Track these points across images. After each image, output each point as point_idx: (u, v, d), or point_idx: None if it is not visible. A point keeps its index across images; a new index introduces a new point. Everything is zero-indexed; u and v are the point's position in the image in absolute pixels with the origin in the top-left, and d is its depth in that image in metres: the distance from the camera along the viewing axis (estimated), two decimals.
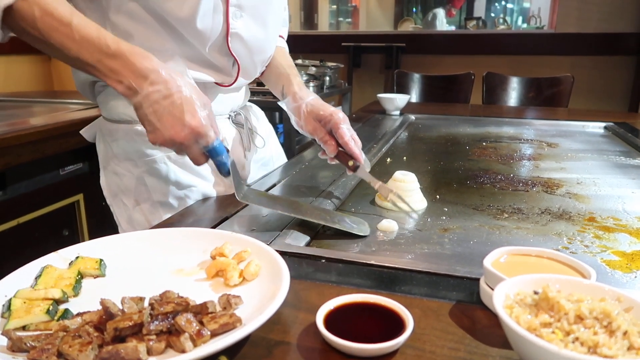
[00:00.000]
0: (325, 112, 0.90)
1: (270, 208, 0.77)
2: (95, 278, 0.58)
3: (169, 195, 0.90)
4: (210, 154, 0.71)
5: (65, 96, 2.45)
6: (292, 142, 2.38)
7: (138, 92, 0.67)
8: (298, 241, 0.72)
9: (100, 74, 0.69)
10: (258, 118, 1.15)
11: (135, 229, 0.92)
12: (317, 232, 0.77)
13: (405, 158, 1.30)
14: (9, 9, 0.66)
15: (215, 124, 0.72)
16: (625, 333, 0.38)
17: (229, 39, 0.88)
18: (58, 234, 1.79)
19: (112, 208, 0.97)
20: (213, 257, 0.61)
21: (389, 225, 0.78)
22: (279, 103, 0.99)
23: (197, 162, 0.73)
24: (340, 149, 0.89)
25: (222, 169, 0.73)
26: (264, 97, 2.28)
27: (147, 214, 0.91)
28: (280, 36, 1.13)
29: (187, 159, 0.89)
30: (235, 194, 0.74)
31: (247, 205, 0.86)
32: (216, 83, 0.93)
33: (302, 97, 0.94)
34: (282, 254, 0.61)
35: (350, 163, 0.88)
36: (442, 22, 4.81)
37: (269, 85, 1.08)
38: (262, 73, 1.08)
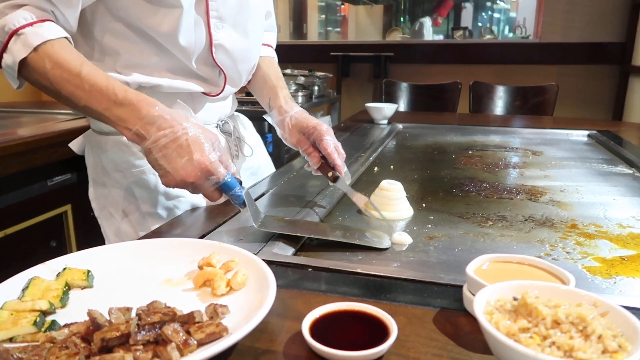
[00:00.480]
0: (309, 124, 0.92)
1: (291, 232, 0.76)
2: (82, 289, 0.58)
3: (158, 206, 0.91)
4: (223, 189, 0.73)
5: (53, 106, 2.44)
6: (281, 151, 2.39)
7: (146, 139, 0.69)
8: (285, 250, 0.72)
9: (109, 121, 0.72)
10: (246, 127, 1.16)
11: (123, 240, 0.92)
12: (303, 242, 0.78)
13: (392, 167, 1.31)
14: (23, 62, 0.70)
15: (226, 158, 0.74)
16: (599, 337, 0.39)
17: (213, 50, 0.89)
18: (45, 245, 1.78)
19: (100, 220, 0.97)
20: (201, 267, 0.61)
21: (401, 238, 0.78)
22: (265, 116, 1.01)
23: (212, 199, 0.74)
24: (322, 160, 0.91)
25: (237, 202, 0.74)
26: (253, 107, 2.29)
27: (135, 225, 0.91)
28: (269, 45, 1.15)
29: None
30: (254, 224, 0.75)
31: (235, 215, 0.87)
32: (204, 93, 0.94)
33: (287, 110, 0.96)
34: (269, 263, 0.61)
35: (330, 174, 0.90)
36: (429, 30, 4.87)
37: (257, 95, 1.10)
38: (250, 83, 1.10)
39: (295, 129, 0.93)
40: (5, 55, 0.71)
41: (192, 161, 0.69)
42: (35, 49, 0.70)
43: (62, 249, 1.83)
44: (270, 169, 1.24)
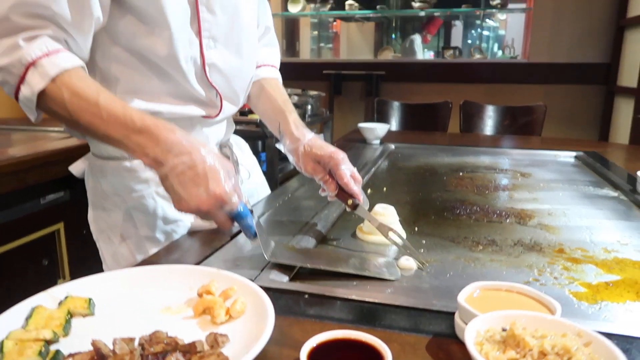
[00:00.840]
0: (325, 152, 0.91)
1: (301, 264, 0.77)
2: (84, 317, 0.60)
3: (156, 230, 0.92)
4: (236, 218, 0.74)
5: (46, 124, 2.44)
6: (274, 170, 2.42)
7: (164, 164, 0.70)
8: (281, 276, 0.74)
9: (126, 148, 0.72)
10: (242, 150, 1.18)
11: (121, 264, 0.93)
12: (300, 267, 0.79)
13: (385, 189, 1.34)
14: (41, 93, 0.71)
15: (239, 188, 0.74)
16: None
17: (207, 69, 0.91)
18: (37, 263, 1.78)
19: (98, 243, 0.98)
20: (200, 295, 0.63)
21: (408, 263, 0.79)
22: (277, 145, 1.00)
23: (224, 227, 0.75)
24: (339, 188, 0.91)
25: (249, 232, 0.75)
26: (247, 127, 2.32)
27: (133, 249, 0.93)
28: (272, 65, 1.16)
29: None
30: (264, 255, 0.75)
31: (231, 239, 0.89)
32: (203, 116, 0.96)
33: (299, 137, 0.95)
34: (267, 289, 0.63)
35: (350, 202, 0.89)
36: (420, 47, 4.96)
37: (264, 119, 1.10)
38: (255, 106, 1.11)
39: (309, 157, 0.92)
40: (22, 88, 0.72)
41: (208, 190, 0.70)
42: (53, 79, 0.71)
43: (54, 268, 1.83)
44: (266, 190, 1.26)
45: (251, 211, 0.75)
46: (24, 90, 0.72)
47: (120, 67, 0.86)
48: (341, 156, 0.90)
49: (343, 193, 0.90)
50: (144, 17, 0.82)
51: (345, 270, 0.76)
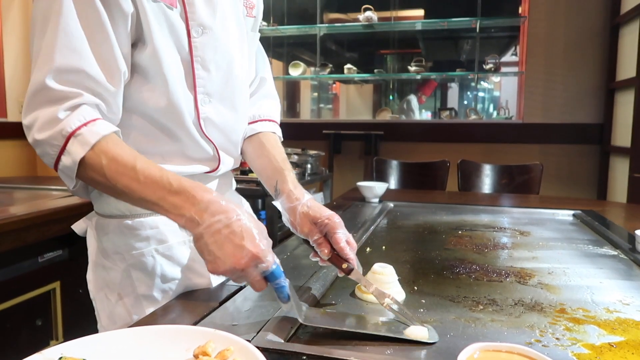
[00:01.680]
0: (322, 215, 0.90)
1: (336, 327, 0.76)
2: None
3: (154, 289, 0.91)
4: (269, 278, 0.74)
5: (48, 182, 2.48)
6: (274, 228, 2.42)
7: (200, 224, 0.71)
8: (278, 337, 0.73)
9: (161, 210, 0.75)
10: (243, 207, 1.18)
11: (116, 323, 0.92)
12: (298, 327, 0.78)
13: (384, 247, 1.33)
14: (81, 161, 0.75)
15: (271, 250, 0.75)
16: None
17: (202, 123, 0.94)
18: (31, 323, 1.74)
19: (94, 303, 0.97)
20: (196, 356, 0.62)
21: (418, 333, 0.74)
22: (274, 202, 1.00)
23: (258, 288, 0.75)
24: (334, 252, 0.90)
25: (282, 293, 0.74)
26: (247, 185, 2.34)
27: (129, 308, 0.92)
28: (272, 120, 1.16)
29: (174, 252, 0.93)
30: (298, 318, 0.75)
31: (229, 299, 0.88)
32: (205, 172, 0.99)
33: (298, 197, 0.94)
34: (264, 350, 0.62)
35: (344, 266, 0.88)
36: (416, 107, 5.10)
37: (261, 177, 1.08)
38: (252, 161, 1.10)
39: (306, 218, 0.91)
40: (63, 157, 0.76)
41: (244, 248, 0.70)
42: (92, 147, 0.75)
43: (48, 328, 1.79)
44: None
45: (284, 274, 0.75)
46: (65, 160, 0.76)
47: (128, 131, 0.89)
48: (337, 220, 0.90)
49: (337, 257, 0.89)
50: (147, 75, 0.86)
51: (377, 333, 0.74)
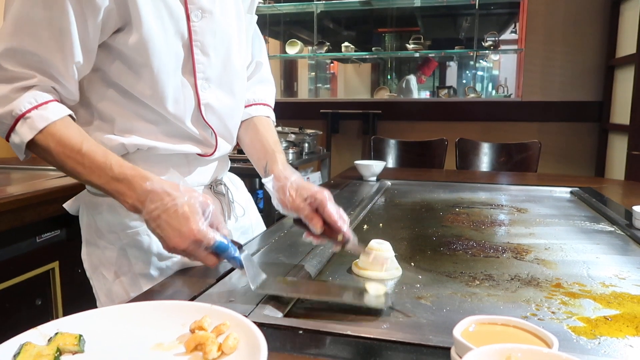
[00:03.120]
0: (311, 190, 0.91)
1: (288, 294, 0.77)
2: (74, 354, 0.58)
3: (150, 267, 0.91)
4: (218, 252, 0.77)
5: (44, 163, 2.46)
6: (271, 208, 2.40)
7: (141, 211, 0.77)
8: (276, 312, 0.73)
9: (109, 194, 0.80)
10: (237, 187, 1.18)
11: (114, 302, 0.92)
12: (295, 303, 0.78)
13: (381, 225, 1.33)
14: (30, 142, 0.78)
15: (218, 221, 0.79)
16: None
17: (202, 109, 0.94)
18: (31, 303, 1.75)
19: (91, 281, 0.97)
20: (192, 331, 0.62)
21: (375, 290, 0.77)
22: (263, 181, 1.00)
23: (209, 263, 0.79)
24: (326, 226, 0.90)
25: (234, 263, 0.78)
26: (244, 164, 2.33)
27: (126, 286, 0.92)
28: (266, 104, 1.16)
29: None
30: (251, 285, 0.77)
31: (226, 275, 0.88)
32: (199, 154, 0.98)
33: (287, 176, 0.95)
34: (261, 325, 0.62)
35: (339, 238, 0.88)
36: (415, 87, 5.07)
37: (251, 157, 1.10)
38: (244, 143, 1.11)
39: (296, 194, 0.92)
40: (12, 136, 0.79)
41: (182, 232, 0.74)
42: (40, 131, 0.77)
43: (47, 308, 1.80)
44: (261, 227, 1.25)
45: (239, 245, 0.78)
46: (14, 138, 0.79)
47: (116, 108, 0.89)
48: (327, 195, 0.91)
49: (331, 231, 0.89)
50: (132, 64, 0.86)
51: (333, 300, 0.77)
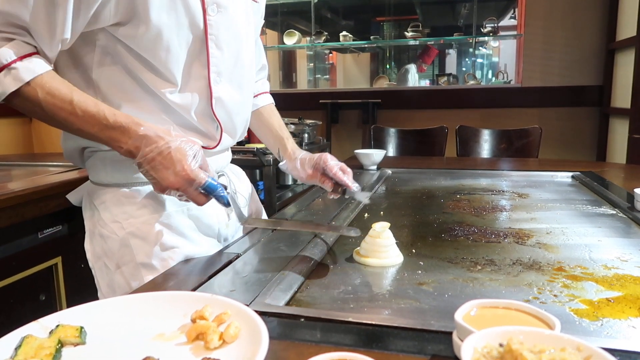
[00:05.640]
0: (314, 158, 1.06)
1: (273, 227, 1.01)
2: (75, 346, 0.59)
3: (152, 257, 0.92)
4: (207, 191, 0.84)
5: (45, 159, 2.46)
6: (272, 198, 2.41)
7: (136, 155, 0.80)
8: (277, 301, 0.73)
9: (101, 142, 0.82)
10: (239, 178, 1.19)
11: (116, 292, 0.92)
12: (296, 291, 0.78)
13: (382, 213, 1.33)
14: (13, 92, 0.76)
15: (206, 164, 0.85)
16: None
17: (213, 102, 0.95)
18: (34, 299, 1.75)
19: (93, 271, 0.98)
20: (193, 321, 0.62)
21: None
22: (280, 165, 1.17)
23: (199, 202, 0.84)
24: (335, 183, 1.05)
25: (222, 202, 0.85)
26: (244, 156, 2.33)
27: (128, 276, 0.92)
28: (266, 92, 1.28)
29: (172, 220, 0.93)
30: (239, 221, 0.93)
31: (227, 265, 0.88)
32: (202, 147, 0.98)
33: (296, 156, 1.12)
34: (262, 314, 0.62)
35: (339, 190, 1.03)
36: (415, 77, 5.04)
37: (263, 141, 1.27)
38: (255, 127, 1.25)
39: (307, 165, 1.08)
40: None
41: (175, 171, 0.80)
42: (28, 82, 0.76)
43: (51, 303, 1.80)
44: (263, 216, 1.26)
45: (224, 186, 0.85)
46: None
47: (124, 96, 0.89)
48: (327, 156, 1.05)
49: (336, 185, 1.04)
50: (143, 57, 0.86)
51: (310, 230, 0.98)
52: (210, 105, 0.95)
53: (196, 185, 0.81)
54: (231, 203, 0.86)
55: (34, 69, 0.77)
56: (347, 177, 1.03)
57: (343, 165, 1.05)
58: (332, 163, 1.04)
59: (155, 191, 0.83)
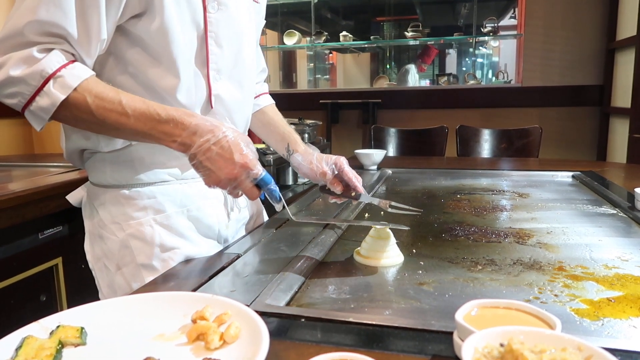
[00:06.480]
0: (331, 158, 1.06)
1: (323, 221, 1.11)
2: (76, 347, 0.58)
3: (153, 258, 0.92)
4: (261, 184, 0.82)
5: (45, 159, 2.47)
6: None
7: (191, 146, 0.78)
8: (278, 301, 0.73)
9: (152, 139, 0.80)
10: None
11: (117, 293, 0.92)
12: (297, 291, 0.78)
13: (382, 213, 1.33)
14: (64, 102, 0.75)
15: (257, 157, 0.83)
16: None
17: (212, 100, 0.95)
18: (35, 299, 1.75)
19: (94, 272, 0.98)
20: (194, 321, 0.62)
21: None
22: (291, 158, 1.16)
23: (252, 196, 0.83)
24: (344, 187, 1.05)
25: (274, 196, 0.84)
26: None
27: (128, 277, 0.92)
28: (265, 92, 1.29)
29: (172, 221, 0.93)
30: (290, 216, 0.94)
31: (227, 266, 0.88)
32: None
33: (312, 152, 1.12)
34: (262, 314, 0.62)
35: (353, 194, 1.04)
36: (415, 77, 5.04)
37: (272, 144, 1.23)
38: (257, 128, 1.25)
39: (323, 164, 1.06)
40: (39, 98, 0.75)
41: (234, 160, 0.78)
42: (75, 88, 0.75)
43: (52, 303, 1.80)
44: (263, 217, 1.25)
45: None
46: (41, 101, 0.75)
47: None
48: (344, 160, 1.06)
49: (348, 190, 1.05)
50: (152, 51, 0.86)
51: (364, 224, 1.04)
52: (209, 103, 0.95)
53: (253, 175, 0.80)
54: (282, 198, 0.84)
55: (80, 74, 0.76)
56: (359, 183, 1.04)
57: (355, 173, 1.05)
58: (348, 168, 1.04)
59: (207, 185, 0.81)
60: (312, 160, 1.09)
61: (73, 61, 0.78)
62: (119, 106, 0.77)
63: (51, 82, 0.74)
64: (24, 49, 0.74)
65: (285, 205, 0.86)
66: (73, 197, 1.01)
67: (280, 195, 0.84)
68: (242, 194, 0.84)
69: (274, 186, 0.83)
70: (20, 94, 0.75)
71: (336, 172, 1.04)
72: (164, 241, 0.92)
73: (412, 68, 4.98)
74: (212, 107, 0.95)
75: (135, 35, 0.85)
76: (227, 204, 1.06)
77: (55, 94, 0.74)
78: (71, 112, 0.77)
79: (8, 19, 0.75)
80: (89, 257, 0.98)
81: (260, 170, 0.81)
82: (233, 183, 0.80)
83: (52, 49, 0.76)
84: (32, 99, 0.75)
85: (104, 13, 0.78)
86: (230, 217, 1.06)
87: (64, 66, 0.75)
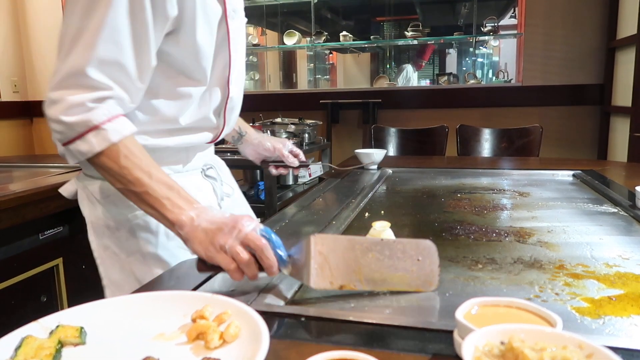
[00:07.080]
0: (280, 139, 1.22)
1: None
2: (75, 346, 0.58)
3: (159, 247, 0.93)
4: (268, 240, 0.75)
5: (45, 160, 2.47)
6: (273, 198, 2.41)
7: (194, 218, 0.77)
8: (278, 300, 0.73)
9: (161, 207, 0.78)
10: (222, 170, 1.22)
11: (121, 284, 0.93)
12: (297, 290, 0.78)
13: (383, 212, 1.33)
14: (100, 152, 0.79)
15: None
16: None
17: (228, 102, 1.00)
18: (35, 300, 1.75)
19: (98, 262, 0.98)
20: (194, 320, 0.62)
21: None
22: (239, 146, 1.29)
23: (251, 275, 0.74)
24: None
25: (282, 261, 0.75)
26: (232, 156, 2.30)
27: (134, 267, 0.93)
28: None
29: None
30: (311, 285, 0.73)
31: None
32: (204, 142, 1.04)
33: (261, 133, 1.23)
34: (262, 313, 0.62)
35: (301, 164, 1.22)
36: (411, 76, 5.05)
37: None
38: None
39: (276, 142, 1.22)
40: (79, 143, 0.79)
41: (225, 222, 0.75)
42: (114, 144, 0.79)
43: (52, 304, 1.80)
44: (246, 209, 1.28)
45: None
46: (81, 146, 0.79)
47: (158, 101, 0.92)
48: (290, 141, 1.21)
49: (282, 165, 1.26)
50: (179, 64, 0.90)
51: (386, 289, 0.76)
52: (225, 104, 1.00)
53: (257, 229, 0.76)
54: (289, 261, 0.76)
55: (122, 131, 0.80)
56: (302, 156, 1.22)
57: (294, 148, 1.24)
58: (293, 147, 1.23)
59: (202, 254, 0.76)
60: (268, 139, 1.27)
61: (119, 115, 0.81)
62: (146, 166, 0.80)
63: (94, 132, 0.78)
64: (83, 90, 0.78)
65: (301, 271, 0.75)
66: (66, 190, 1.02)
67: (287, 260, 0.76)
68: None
69: (283, 250, 0.76)
70: (65, 134, 0.80)
71: (290, 149, 1.23)
72: (169, 230, 0.93)
73: (408, 68, 4.99)
74: (226, 108, 1.00)
75: (161, 51, 0.87)
76: (217, 194, 1.09)
77: (95, 144, 0.78)
78: (101, 158, 0.80)
79: (65, 50, 0.78)
80: (93, 246, 0.99)
81: (261, 238, 0.75)
82: (231, 245, 0.74)
83: (105, 98, 0.79)
84: (73, 140, 0.80)
85: (153, 43, 0.82)
86: (221, 205, 1.10)
87: (109, 120, 0.79)
